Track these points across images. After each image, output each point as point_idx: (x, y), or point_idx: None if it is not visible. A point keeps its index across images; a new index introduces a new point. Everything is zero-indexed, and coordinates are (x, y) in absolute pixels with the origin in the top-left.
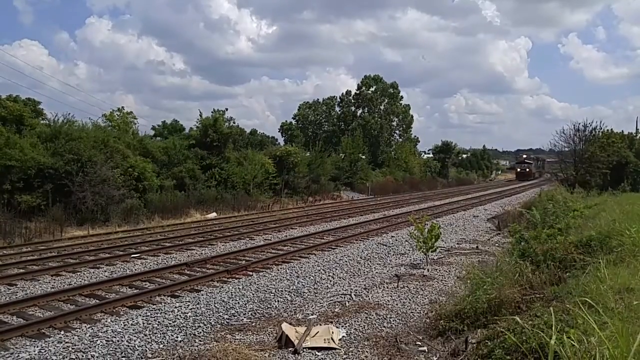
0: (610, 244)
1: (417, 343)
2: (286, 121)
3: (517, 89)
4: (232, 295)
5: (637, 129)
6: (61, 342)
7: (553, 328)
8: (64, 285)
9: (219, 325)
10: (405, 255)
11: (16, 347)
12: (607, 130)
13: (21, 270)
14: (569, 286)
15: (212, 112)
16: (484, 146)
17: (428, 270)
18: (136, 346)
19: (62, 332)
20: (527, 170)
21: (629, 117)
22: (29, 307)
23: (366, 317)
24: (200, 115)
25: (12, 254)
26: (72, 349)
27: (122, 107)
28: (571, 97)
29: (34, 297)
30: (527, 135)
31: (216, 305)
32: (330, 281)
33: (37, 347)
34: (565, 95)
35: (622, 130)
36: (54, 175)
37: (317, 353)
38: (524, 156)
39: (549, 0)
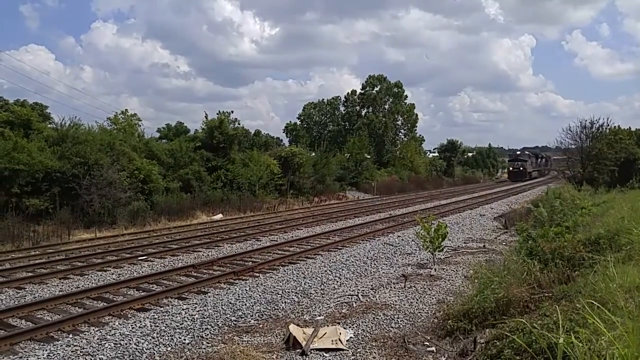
0: (619, 241)
1: (425, 343)
2: (291, 122)
3: (521, 86)
4: (239, 296)
5: None
6: (70, 346)
7: (561, 328)
8: (72, 289)
9: (226, 327)
10: (412, 255)
11: (25, 351)
12: (614, 126)
13: (30, 274)
14: (578, 285)
15: (217, 113)
16: (489, 144)
17: (435, 269)
18: (144, 349)
19: (71, 336)
20: (521, 169)
21: (636, 113)
22: (38, 311)
23: (373, 318)
24: (206, 117)
25: (21, 257)
26: (81, 352)
27: (126, 109)
28: (577, 94)
29: (42, 300)
30: (533, 133)
31: (223, 307)
32: (337, 282)
33: (46, 350)
34: (571, 92)
35: (630, 127)
36: (61, 178)
37: (324, 354)
38: (518, 152)
39: None
